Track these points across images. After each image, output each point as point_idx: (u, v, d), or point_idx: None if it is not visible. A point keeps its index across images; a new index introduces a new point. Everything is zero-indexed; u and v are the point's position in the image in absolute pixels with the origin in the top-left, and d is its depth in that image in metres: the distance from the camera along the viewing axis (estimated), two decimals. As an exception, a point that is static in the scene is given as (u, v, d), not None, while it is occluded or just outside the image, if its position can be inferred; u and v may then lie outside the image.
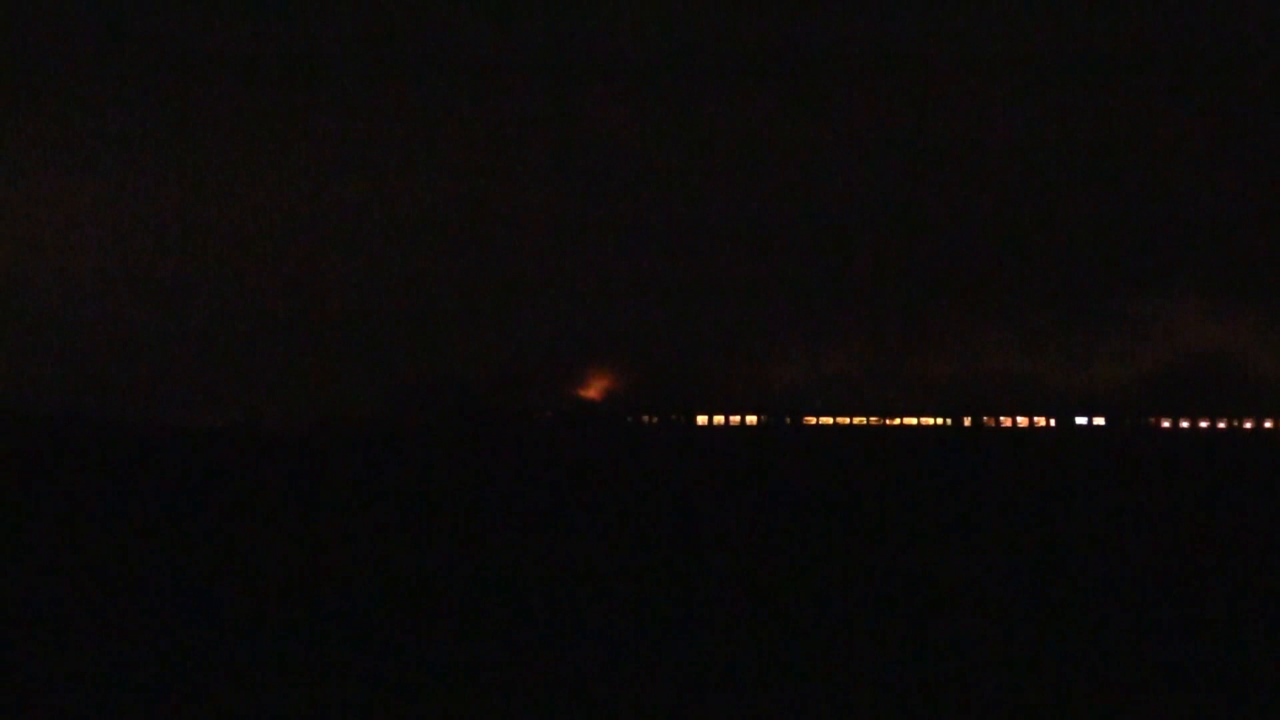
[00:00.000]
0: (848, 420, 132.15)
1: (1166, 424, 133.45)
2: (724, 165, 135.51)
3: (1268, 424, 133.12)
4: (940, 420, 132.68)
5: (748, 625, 20.56)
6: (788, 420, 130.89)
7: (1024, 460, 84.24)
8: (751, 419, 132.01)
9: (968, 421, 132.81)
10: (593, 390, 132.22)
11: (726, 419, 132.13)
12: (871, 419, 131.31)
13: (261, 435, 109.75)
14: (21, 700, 15.58)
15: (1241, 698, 16.09)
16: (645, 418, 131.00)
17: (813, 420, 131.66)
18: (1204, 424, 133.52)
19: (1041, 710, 15.61)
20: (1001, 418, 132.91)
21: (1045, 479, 62.04)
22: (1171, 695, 16.30)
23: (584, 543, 31.57)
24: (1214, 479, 63.04)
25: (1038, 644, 19.18)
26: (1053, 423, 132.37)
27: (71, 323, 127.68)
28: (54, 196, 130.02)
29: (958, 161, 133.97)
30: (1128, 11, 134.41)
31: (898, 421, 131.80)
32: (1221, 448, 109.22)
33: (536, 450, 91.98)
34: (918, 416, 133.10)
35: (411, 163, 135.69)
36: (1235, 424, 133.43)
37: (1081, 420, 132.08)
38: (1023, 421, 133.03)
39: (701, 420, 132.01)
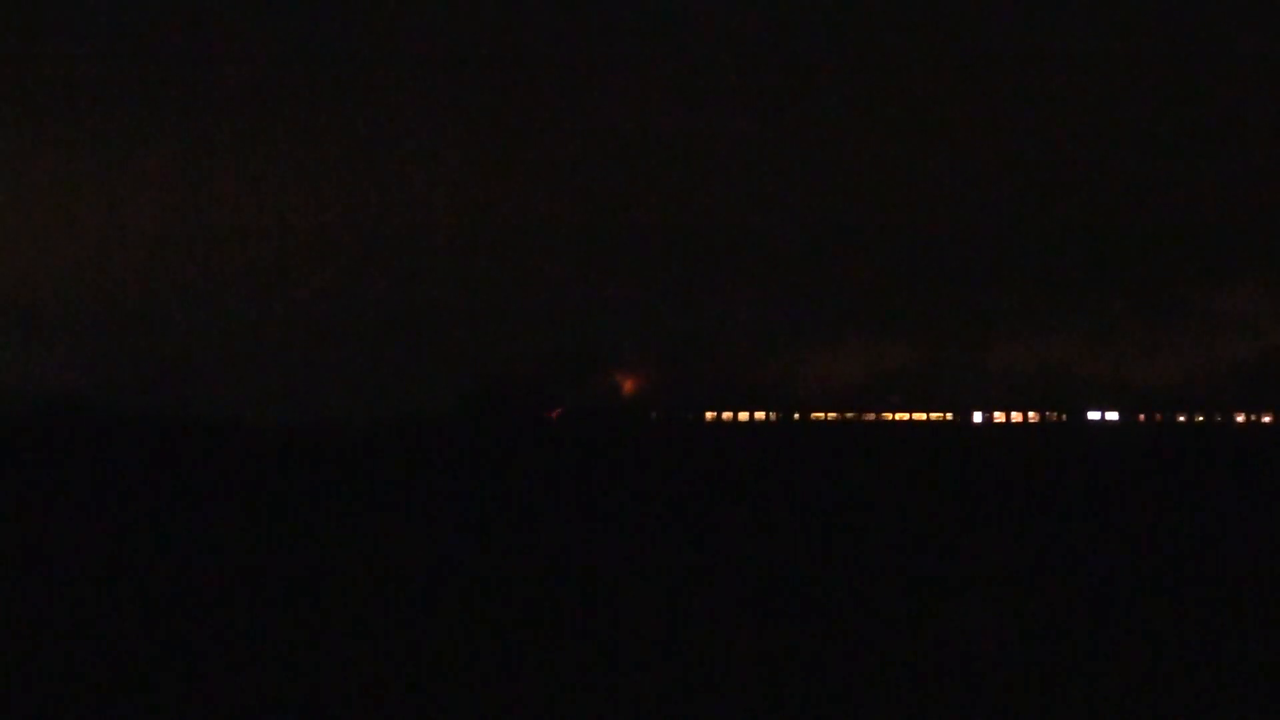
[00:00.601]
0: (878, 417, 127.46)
1: (1242, 418, 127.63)
2: (779, 159, 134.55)
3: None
4: (947, 416, 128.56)
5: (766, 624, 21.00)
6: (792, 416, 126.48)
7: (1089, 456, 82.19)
8: (760, 415, 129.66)
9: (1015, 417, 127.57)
10: (624, 385, 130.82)
11: (734, 415, 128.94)
12: (934, 415, 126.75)
13: (301, 433, 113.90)
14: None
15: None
16: (653, 414, 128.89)
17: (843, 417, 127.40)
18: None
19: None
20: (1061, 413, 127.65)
21: (1110, 475, 60.58)
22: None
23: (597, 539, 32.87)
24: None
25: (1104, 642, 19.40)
26: (1124, 417, 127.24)
27: (123, 324, 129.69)
28: (118, 199, 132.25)
29: (1026, 154, 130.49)
30: (1211, 7, 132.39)
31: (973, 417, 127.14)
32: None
33: (553, 447, 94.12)
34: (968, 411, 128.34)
35: (432, 169, 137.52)
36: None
37: (1159, 415, 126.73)
38: (1033, 416, 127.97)
39: (710, 416, 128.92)
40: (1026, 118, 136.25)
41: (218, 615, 21.32)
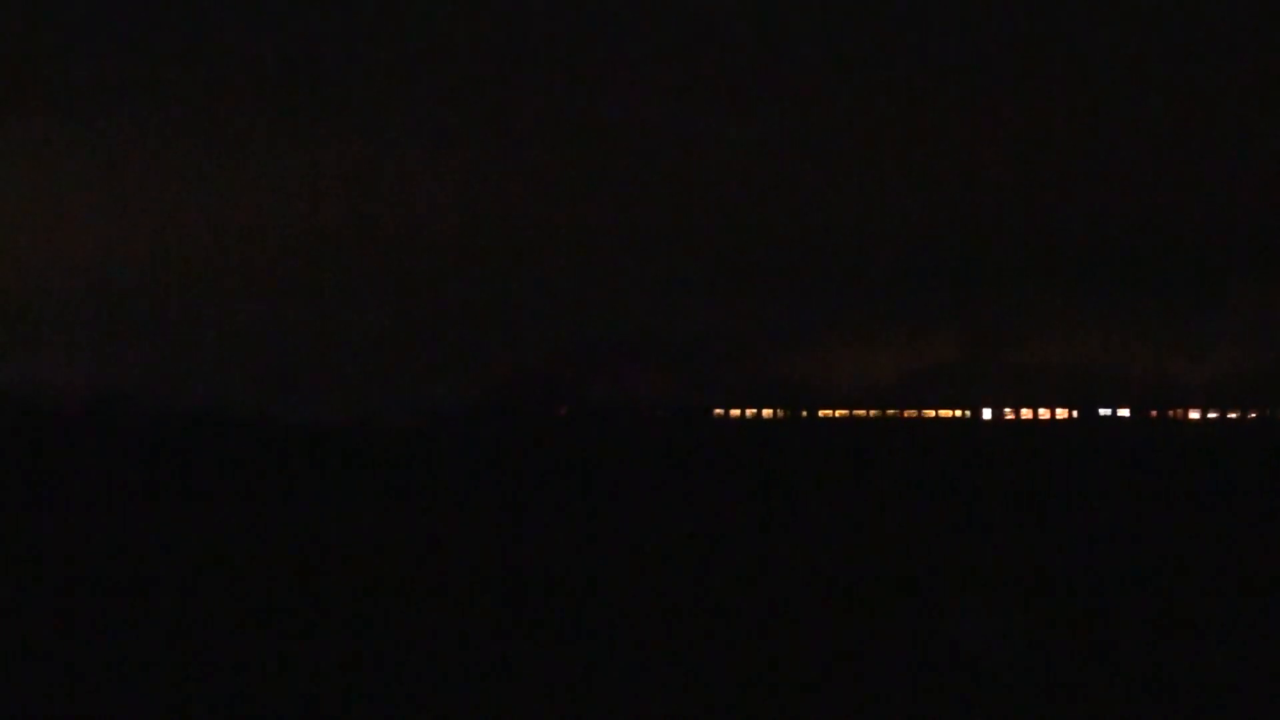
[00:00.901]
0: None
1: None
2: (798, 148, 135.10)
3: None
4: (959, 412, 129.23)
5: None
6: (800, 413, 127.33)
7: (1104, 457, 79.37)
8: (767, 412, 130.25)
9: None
10: (634, 382, 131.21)
11: (742, 413, 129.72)
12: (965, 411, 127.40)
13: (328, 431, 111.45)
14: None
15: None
16: (659, 412, 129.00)
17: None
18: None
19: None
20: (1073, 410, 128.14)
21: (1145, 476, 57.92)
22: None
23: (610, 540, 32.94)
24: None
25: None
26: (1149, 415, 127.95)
27: (147, 321, 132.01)
28: (169, 197, 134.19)
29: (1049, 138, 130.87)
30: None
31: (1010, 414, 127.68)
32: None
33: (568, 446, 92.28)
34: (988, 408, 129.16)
35: (438, 168, 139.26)
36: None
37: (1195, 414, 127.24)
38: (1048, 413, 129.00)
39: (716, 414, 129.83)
40: (1059, 110, 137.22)
41: (232, 612, 21.55)
